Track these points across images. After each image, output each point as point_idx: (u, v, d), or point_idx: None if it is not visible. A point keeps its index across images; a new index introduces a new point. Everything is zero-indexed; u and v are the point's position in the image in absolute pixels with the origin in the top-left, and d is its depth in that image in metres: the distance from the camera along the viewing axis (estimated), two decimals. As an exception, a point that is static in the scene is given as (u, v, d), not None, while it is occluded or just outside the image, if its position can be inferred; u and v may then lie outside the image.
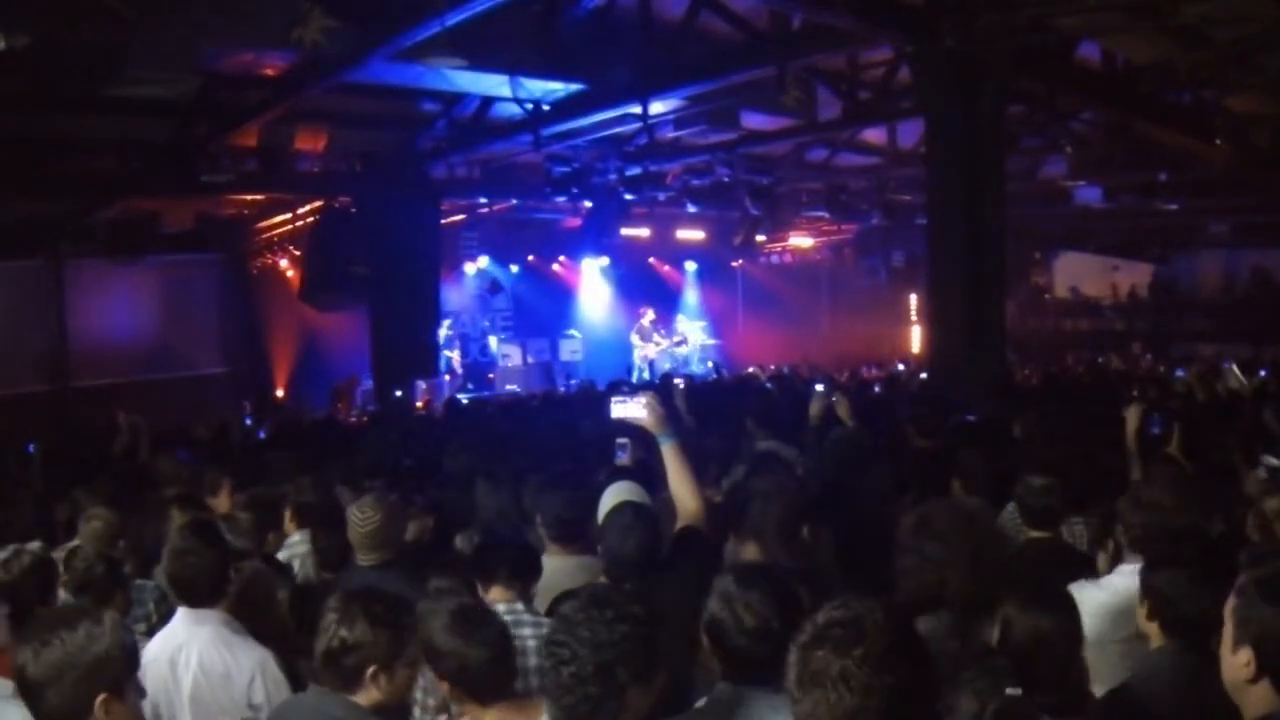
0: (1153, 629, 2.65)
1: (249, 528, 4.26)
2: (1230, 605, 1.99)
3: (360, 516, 3.87)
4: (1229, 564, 2.52)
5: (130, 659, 2.30)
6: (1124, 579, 3.24)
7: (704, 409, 8.34)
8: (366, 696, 2.54)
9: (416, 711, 3.02)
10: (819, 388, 7.41)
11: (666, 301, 20.67)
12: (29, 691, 2.22)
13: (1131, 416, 4.92)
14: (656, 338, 19.03)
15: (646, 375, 17.64)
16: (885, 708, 1.53)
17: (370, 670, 2.51)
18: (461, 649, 2.62)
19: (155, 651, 3.28)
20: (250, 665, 3.20)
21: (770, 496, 3.63)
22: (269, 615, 3.56)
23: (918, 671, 1.60)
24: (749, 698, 2.29)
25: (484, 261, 18.32)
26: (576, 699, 1.98)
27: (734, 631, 2.30)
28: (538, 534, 3.97)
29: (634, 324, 19.17)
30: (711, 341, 20.53)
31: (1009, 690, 2.16)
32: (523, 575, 3.42)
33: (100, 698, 2.18)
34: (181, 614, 3.32)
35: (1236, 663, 1.95)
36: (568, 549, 3.76)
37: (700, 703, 2.42)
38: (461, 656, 2.62)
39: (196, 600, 3.29)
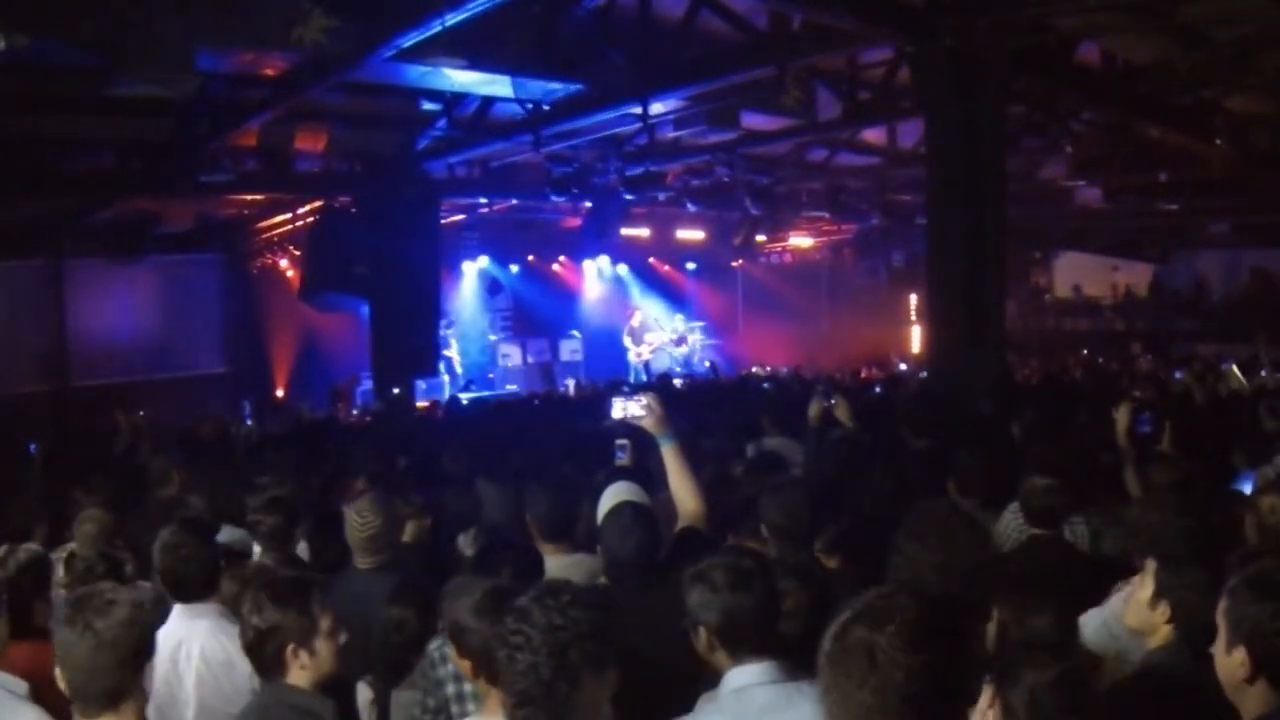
0: (1160, 626, 2.63)
1: (274, 530, 4.24)
2: (1222, 606, 1.99)
3: (359, 520, 3.85)
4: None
5: (154, 634, 2.44)
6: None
7: (702, 409, 8.36)
8: (297, 678, 2.57)
9: (416, 711, 3.02)
10: (819, 389, 7.42)
11: (667, 301, 20.69)
12: (73, 667, 2.27)
13: (1122, 415, 4.91)
14: (648, 338, 19.04)
15: (644, 377, 17.65)
16: (911, 686, 1.53)
17: (289, 649, 2.55)
18: (487, 628, 2.60)
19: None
20: None
21: (785, 490, 3.65)
22: None
23: (948, 656, 1.60)
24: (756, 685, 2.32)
25: (484, 261, 18.33)
26: (529, 683, 1.99)
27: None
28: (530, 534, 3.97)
29: (626, 327, 19.21)
30: (711, 341, 20.54)
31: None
32: (526, 575, 3.42)
33: (149, 664, 2.33)
34: (177, 610, 3.34)
35: (1232, 664, 1.96)
36: (558, 546, 3.77)
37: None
38: (484, 635, 2.60)
39: (190, 595, 3.32)
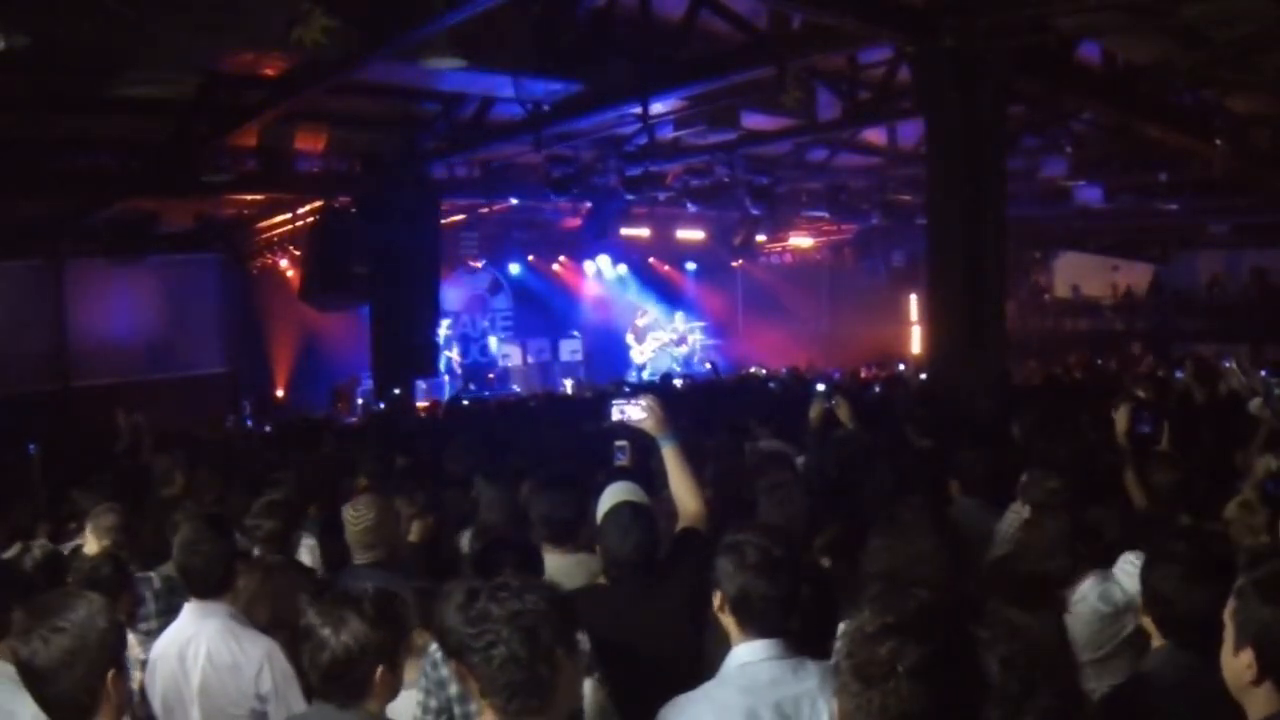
0: (1150, 626, 2.64)
1: (272, 534, 4.23)
2: (1230, 608, 1.99)
3: (354, 515, 3.92)
4: (1224, 563, 2.53)
5: (123, 636, 2.38)
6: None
7: (702, 409, 8.35)
8: (376, 701, 2.47)
9: (418, 712, 3.01)
10: (820, 387, 7.40)
11: (666, 301, 20.68)
12: (39, 680, 2.24)
13: (1121, 416, 4.90)
14: (651, 338, 19.04)
15: (647, 374, 17.66)
16: (949, 704, 1.52)
17: (379, 671, 2.44)
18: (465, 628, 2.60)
19: (164, 646, 3.33)
20: (258, 656, 3.24)
21: (783, 490, 3.65)
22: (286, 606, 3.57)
23: (974, 670, 1.60)
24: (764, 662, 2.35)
25: (484, 262, 18.34)
26: (510, 674, 2.00)
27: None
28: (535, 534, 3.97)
29: (631, 325, 19.23)
30: (711, 341, 20.53)
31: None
32: (526, 573, 3.42)
33: (110, 674, 2.25)
34: (189, 608, 3.36)
35: (1238, 665, 1.95)
36: (562, 548, 3.77)
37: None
38: (462, 633, 2.60)
39: (206, 591, 3.33)
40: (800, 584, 2.49)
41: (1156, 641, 2.62)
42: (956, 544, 3.00)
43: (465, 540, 4.53)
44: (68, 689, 2.22)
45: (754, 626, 2.41)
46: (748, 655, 2.39)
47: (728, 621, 2.48)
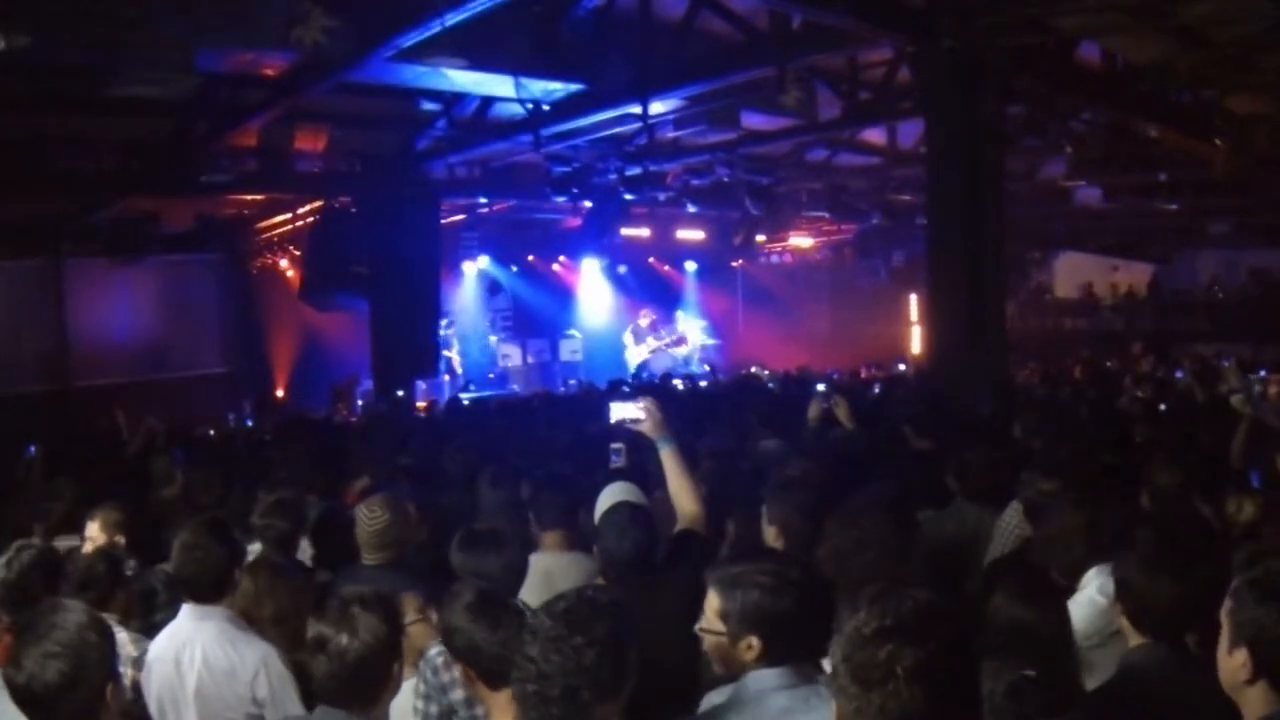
0: (1127, 626, 2.63)
1: (282, 534, 4.23)
2: (1225, 607, 1.99)
3: (368, 515, 3.90)
4: (1193, 552, 2.53)
5: (114, 645, 2.36)
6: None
7: (701, 411, 8.36)
8: (380, 705, 2.48)
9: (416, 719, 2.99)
10: (820, 387, 7.41)
11: (666, 301, 20.67)
12: (37, 706, 2.20)
13: None
14: (650, 340, 19.01)
15: (643, 376, 17.62)
16: (944, 699, 1.52)
17: (395, 667, 2.47)
18: (476, 631, 2.60)
19: (160, 649, 3.31)
20: (254, 661, 3.21)
21: (796, 491, 3.65)
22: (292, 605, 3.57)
23: (975, 671, 1.60)
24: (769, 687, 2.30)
25: (484, 261, 18.34)
26: (540, 715, 2.01)
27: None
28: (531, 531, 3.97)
29: (631, 325, 19.20)
30: (711, 341, 20.52)
31: (1025, 673, 2.16)
32: (510, 562, 3.40)
33: (109, 689, 2.25)
34: (186, 611, 3.34)
35: (1233, 664, 1.95)
36: (557, 538, 3.76)
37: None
38: (470, 635, 2.60)
39: (202, 596, 3.31)
40: (819, 608, 2.34)
41: (1134, 639, 2.60)
42: (907, 533, 3.00)
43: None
44: (68, 713, 2.19)
45: (768, 653, 2.30)
46: (760, 682, 2.30)
47: (740, 648, 2.38)
